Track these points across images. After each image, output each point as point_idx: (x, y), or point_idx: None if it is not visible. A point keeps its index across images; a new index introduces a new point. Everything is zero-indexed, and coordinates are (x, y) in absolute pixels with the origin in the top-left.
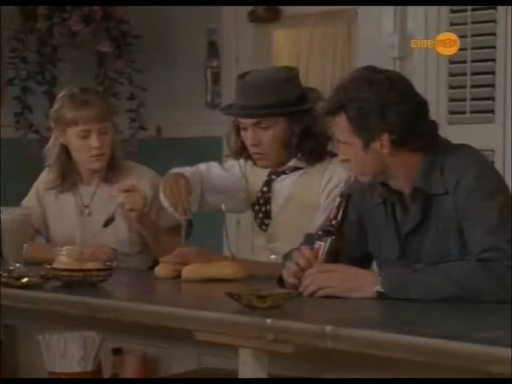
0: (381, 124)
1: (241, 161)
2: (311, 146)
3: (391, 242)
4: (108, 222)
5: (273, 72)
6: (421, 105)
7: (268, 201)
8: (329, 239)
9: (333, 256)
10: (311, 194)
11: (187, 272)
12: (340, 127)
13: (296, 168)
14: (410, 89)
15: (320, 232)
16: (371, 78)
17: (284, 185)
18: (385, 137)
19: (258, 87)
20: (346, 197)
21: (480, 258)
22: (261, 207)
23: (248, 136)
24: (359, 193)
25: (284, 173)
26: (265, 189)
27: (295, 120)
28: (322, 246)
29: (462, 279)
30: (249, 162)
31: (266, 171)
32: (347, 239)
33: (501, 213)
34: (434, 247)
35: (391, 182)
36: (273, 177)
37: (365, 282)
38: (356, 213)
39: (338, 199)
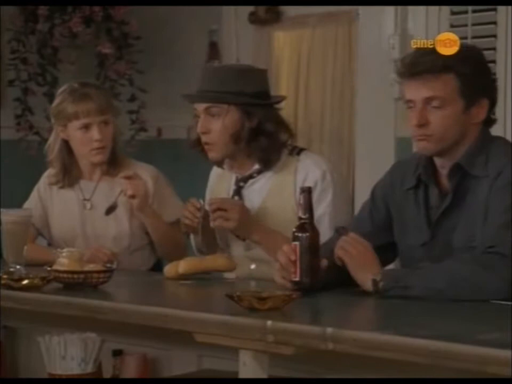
0: (487, 88)
1: (212, 177)
2: (261, 146)
3: (419, 228)
4: (110, 209)
5: (238, 65)
6: None
7: None
8: (304, 236)
9: (313, 250)
10: (285, 196)
11: (183, 267)
12: (444, 84)
13: (262, 171)
14: None
15: (294, 230)
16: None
17: (255, 190)
18: (485, 103)
19: (215, 73)
20: (307, 190)
21: (482, 251)
22: None
23: (199, 124)
24: (388, 185)
25: (251, 177)
26: (236, 198)
27: (248, 114)
28: (298, 245)
29: (458, 275)
30: (214, 176)
31: (232, 180)
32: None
33: None
34: (464, 232)
35: (444, 157)
36: (241, 184)
37: (369, 265)
38: (383, 204)
39: (301, 195)
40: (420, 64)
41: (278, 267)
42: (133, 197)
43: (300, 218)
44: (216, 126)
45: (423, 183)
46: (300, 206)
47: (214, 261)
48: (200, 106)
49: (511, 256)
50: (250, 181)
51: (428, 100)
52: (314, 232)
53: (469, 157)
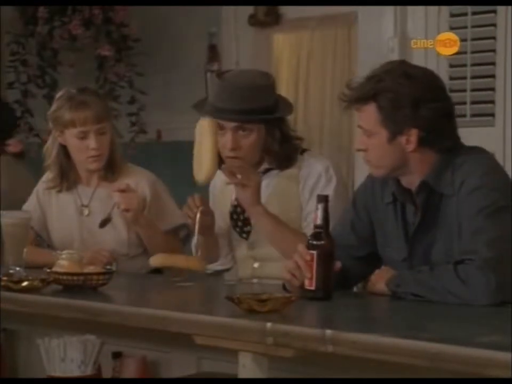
0: (412, 118)
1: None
2: (286, 152)
3: (399, 243)
4: (104, 222)
5: (254, 77)
6: (452, 106)
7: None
8: (320, 244)
9: (328, 259)
10: (289, 194)
11: (154, 260)
12: (368, 115)
13: (268, 170)
14: (444, 88)
15: (309, 238)
16: (408, 71)
17: (262, 186)
18: (413, 133)
19: (240, 90)
20: (324, 198)
21: (457, 261)
22: (239, 215)
23: (227, 139)
24: (369, 193)
25: None
26: None
27: (273, 127)
28: (314, 254)
29: (439, 284)
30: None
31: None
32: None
33: (488, 215)
34: (442, 247)
35: (403, 179)
36: None
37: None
38: (366, 212)
39: (317, 204)
40: (353, 93)
41: (289, 265)
42: (126, 210)
43: (316, 227)
44: (247, 142)
45: (398, 199)
46: (315, 214)
47: (184, 261)
48: (228, 124)
49: (487, 263)
50: None
51: (361, 128)
52: (330, 241)
53: (435, 175)
